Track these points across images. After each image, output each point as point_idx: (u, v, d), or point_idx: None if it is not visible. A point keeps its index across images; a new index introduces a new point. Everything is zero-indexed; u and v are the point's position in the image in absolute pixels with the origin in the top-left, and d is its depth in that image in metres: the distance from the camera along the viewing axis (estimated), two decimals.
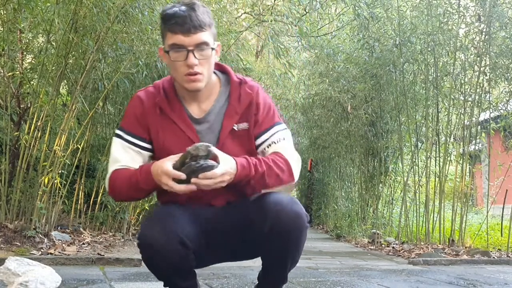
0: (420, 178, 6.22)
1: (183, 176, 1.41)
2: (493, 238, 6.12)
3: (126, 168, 1.56)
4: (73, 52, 4.57)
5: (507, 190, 5.57)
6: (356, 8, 6.24)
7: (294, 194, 14.11)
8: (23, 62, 5.30)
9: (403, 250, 5.53)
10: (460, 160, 5.79)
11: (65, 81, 5.08)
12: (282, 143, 1.60)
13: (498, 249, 5.60)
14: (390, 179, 7.67)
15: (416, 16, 6.15)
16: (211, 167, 1.40)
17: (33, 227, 4.11)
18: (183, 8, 1.47)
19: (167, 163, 1.43)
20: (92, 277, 3.03)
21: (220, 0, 6.03)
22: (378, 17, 6.52)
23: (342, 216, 9.05)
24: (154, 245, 1.43)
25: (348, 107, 8.00)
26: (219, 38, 5.43)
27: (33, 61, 5.51)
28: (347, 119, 8.08)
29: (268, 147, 1.60)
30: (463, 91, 5.79)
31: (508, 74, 5.56)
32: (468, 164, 5.93)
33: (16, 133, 4.69)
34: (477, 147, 6.07)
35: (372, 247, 6.39)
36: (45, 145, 4.45)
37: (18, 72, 5.00)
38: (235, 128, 1.58)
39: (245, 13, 6.65)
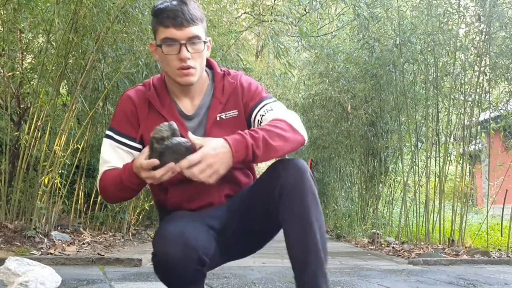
0: (420, 178, 6.22)
1: (156, 162, 1.34)
2: (493, 238, 6.12)
3: (115, 168, 1.52)
4: (73, 52, 4.57)
5: (507, 190, 5.57)
6: (356, 8, 6.24)
7: None
8: (23, 62, 5.31)
9: (403, 250, 5.53)
10: (460, 160, 5.79)
11: (65, 81, 5.09)
12: (274, 110, 1.53)
13: (498, 249, 5.60)
14: (390, 179, 7.67)
15: (416, 16, 6.14)
16: (177, 145, 1.33)
17: (33, 227, 4.11)
18: (174, 2, 1.47)
19: (141, 156, 1.38)
20: (92, 277, 3.03)
21: (220, 0, 6.04)
22: (378, 17, 6.53)
23: (342, 216, 9.06)
24: (171, 262, 1.36)
25: (348, 107, 8.00)
26: (219, 38, 5.45)
27: (33, 61, 5.52)
28: (347, 119, 8.08)
29: (261, 118, 1.53)
30: (463, 91, 5.79)
31: (508, 74, 5.56)
32: (468, 164, 5.93)
33: (16, 133, 4.69)
34: (477, 147, 6.07)
35: (372, 247, 6.39)
36: (45, 145, 4.46)
37: (18, 72, 5.01)
38: (223, 117, 1.55)
39: (245, 13, 6.65)
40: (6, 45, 4.58)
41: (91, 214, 5.55)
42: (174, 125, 1.37)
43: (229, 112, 1.57)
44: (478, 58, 5.58)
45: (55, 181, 4.41)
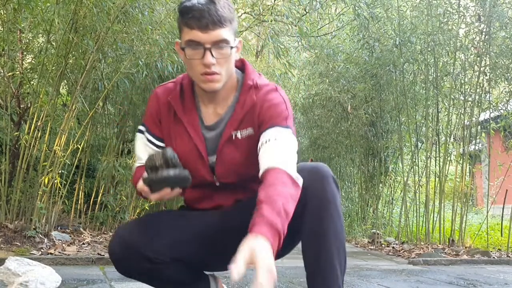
0: (420, 178, 6.22)
1: (146, 189, 1.37)
2: (493, 238, 6.13)
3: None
4: (73, 52, 4.57)
5: (507, 190, 5.57)
6: (356, 8, 6.23)
7: None
8: (23, 62, 5.30)
9: (403, 250, 5.53)
10: (460, 160, 5.79)
11: (65, 81, 5.08)
12: (271, 144, 1.37)
13: (498, 249, 5.61)
14: (390, 179, 7.67)
15: (416, 16, 6.14)
16: (166, 177, 1.31)
17: (33, 227, 4.11)
18: (202, 1, 1.34)
19: (141, 179, 1.39)
20: (92, 277, 3.03)
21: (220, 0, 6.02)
22: (378, 17, 6.52)
23: None
24: (116, 260, 1.44)
25: (348, 107, 7.99)
26: None
27: (33, 61, 5.51)
28: (347, 119, 8.07)
29: (261, 145, 1.40)
30: (463, 91, 5.79)
31: (508, 74, 5.56)
32: (468, 164, 5.93)
33: (16, 133, 4.69)
34: (477, 147, 6.07)
35: (372, 247, 6.39)
36: (45, 145, 4.45)
37: (18, 72, 5.00)
38: (238, 135, 1.46)
39: (245, 13, 6.63)
40: (6, 45, 4.58)
41: (91, 214, 5.55)
42: (169, 153, 1.33)
43: (245, 130, 1.47)
44: (478, 58, 5.58)
45: (55, 181, 4.40)
